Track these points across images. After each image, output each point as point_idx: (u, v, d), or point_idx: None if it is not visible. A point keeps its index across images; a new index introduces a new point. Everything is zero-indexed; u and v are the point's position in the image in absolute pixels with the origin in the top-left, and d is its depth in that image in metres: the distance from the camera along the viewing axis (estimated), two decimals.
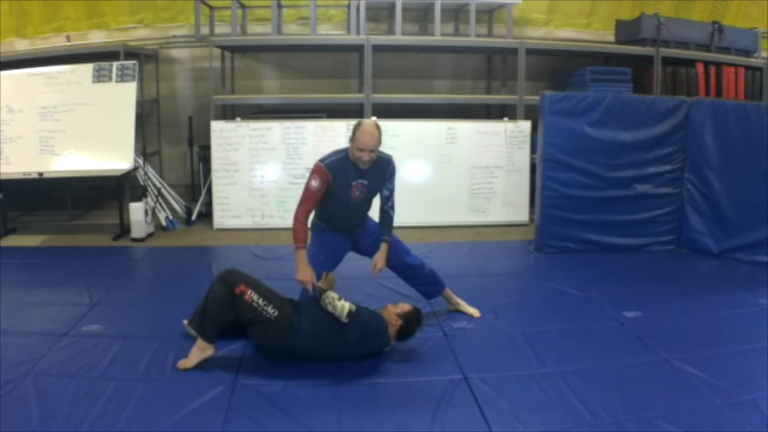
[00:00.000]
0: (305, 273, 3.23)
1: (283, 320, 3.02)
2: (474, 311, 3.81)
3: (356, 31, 6.62)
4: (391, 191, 3.51)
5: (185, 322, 3.38)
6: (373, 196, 3.53)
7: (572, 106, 5.08)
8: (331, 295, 3.09)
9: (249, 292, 3.01)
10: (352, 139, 3.30)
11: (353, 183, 3.37)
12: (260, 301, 3.01)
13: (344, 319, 3.02)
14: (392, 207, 3.52)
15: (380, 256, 3.45)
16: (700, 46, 6.97)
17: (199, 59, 7.13)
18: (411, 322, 3.21)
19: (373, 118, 6.04)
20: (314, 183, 3.29)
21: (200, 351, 3.03)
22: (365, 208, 3.57)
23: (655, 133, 5.16)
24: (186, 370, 2.99)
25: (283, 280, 4.37)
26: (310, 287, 3.19)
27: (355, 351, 3.08)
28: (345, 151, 3.38)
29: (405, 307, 3.26)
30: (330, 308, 3.05)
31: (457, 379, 2.97)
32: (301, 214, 3.33)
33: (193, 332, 3.21)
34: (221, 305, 2.99)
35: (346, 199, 3.39)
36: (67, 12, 6.97)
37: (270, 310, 3.01)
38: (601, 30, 7.68)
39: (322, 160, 3.33)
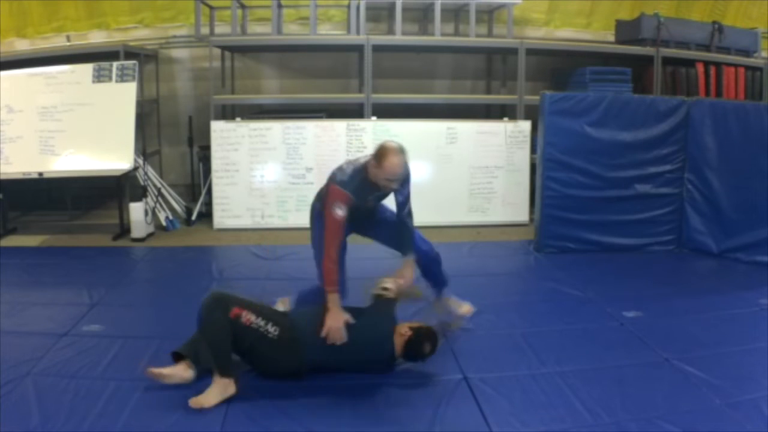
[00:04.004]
0: (339, 319, 2.91)
1: (286, 334, 2.85)
2: (464, 311, 3.68)
3: (356, 31, 6.62)
4: (406, 197, 3.30)
5: (153, 370, 2.86)
6: (385, 197, 3.38)
7: (572, 106, 5.08)
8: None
9: (244, 313, 2.80)
10: (378, 166, 3.06)
11: (369, 197, 3.23)
12: (259, 320, 2.82)
13: (375, 290, 2.97)
14: (409, 214, 3.32)
15: (405, 271, 3.23)
16: (700, 46, 6.96)
17: (199, 59, 7.13)
18: (420, 338, 2.96)
19: (374, 118, 6.06)
20: (340, 212, 3.00)
21: (222, 388, 2.72)
22: (376, 206, 3.45)
23: (655, 133, 5.16)
24: (202, 409, 2.67)
25: (283, 280, 4.40)
26: (339, 339, 2.88)
27: (358, 355, 2.92)
28: (362, 170, 3.14)
29: (422, 324, 3.09)
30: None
31: (457, 379, 2.97)
32: (333, 252, 3.01)
33: (184, 375, 2.88)
34: (224, 334, 2.75)
35: (358, 210, 3.21)
36: (67, 12, 6.96)
37: (270, 328, 2.82)
38: (601, 30, 7.68)
39: (343, 185, 3.07)
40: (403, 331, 2.99)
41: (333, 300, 2.94)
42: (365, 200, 3.21)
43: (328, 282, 2.98)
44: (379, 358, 3.01)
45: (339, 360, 2.95)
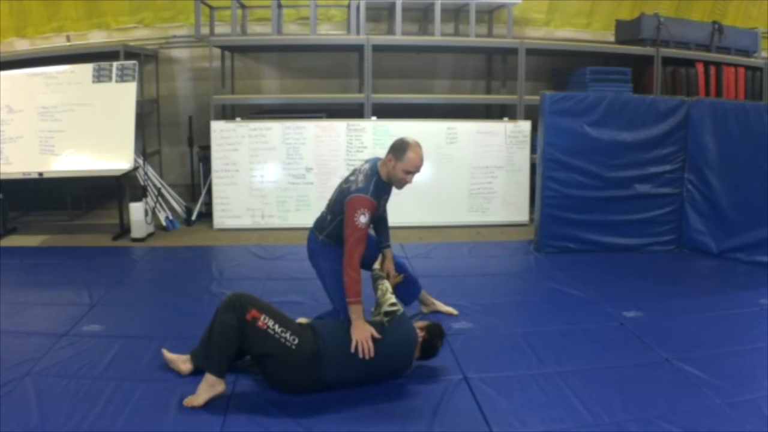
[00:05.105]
0: (365, 331, 2.82)
1: (306, 346, 2.73)
2: (451, 310, 3.77)
3: (356, 31, 6.62)
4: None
5: (165, 351, 3.05)
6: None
7: (572, 106, 5.08)
8: (387, 284, 3.09)
9: (262, 317, 2.70)
10: (398, 159, 3.06)
11: (382, 200, 3.23)
12: (276, 327, 2.70)
13: (385, 308, 2.94)
14: (385, 209, 3.42)
15: (390, 263, 3.45)
16: (700, 46, 6.97)
17: (199, 59, 7.13)
18: (434, 336, 2.98)
19: (374, 118, 6.07)
20: (364, 219, 2.96)
21: (210, 387, 2.69)
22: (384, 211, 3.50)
23: (655, 133, 5.16)
24: (193, 407, 2.66)
25: (283, 280, 4.42)
26: (368, 353, 2.79)
27: (378, 369, 2.86)
28: (376, 173, 3.13)
29: (425, 323, 3.09)
30: (379, 293, 3.05)
31: (457, 379, 2.97)
32: (357, 261, 2.95)
33: (181, 366, 2.95)
34: (230, 334, 2.68)
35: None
36: (67, 12, 6.97)
37: (289, 337, 2.71)
38: (601, 30, 7.68)
39: (364, 192, 3.02)
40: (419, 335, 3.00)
41: (356, 312, 2.86)
42: (381, 205, 3.23)
43: (352, 293, 2.91)
44: (401, 369, 2.96)
45: (358, 376, 2.84)
